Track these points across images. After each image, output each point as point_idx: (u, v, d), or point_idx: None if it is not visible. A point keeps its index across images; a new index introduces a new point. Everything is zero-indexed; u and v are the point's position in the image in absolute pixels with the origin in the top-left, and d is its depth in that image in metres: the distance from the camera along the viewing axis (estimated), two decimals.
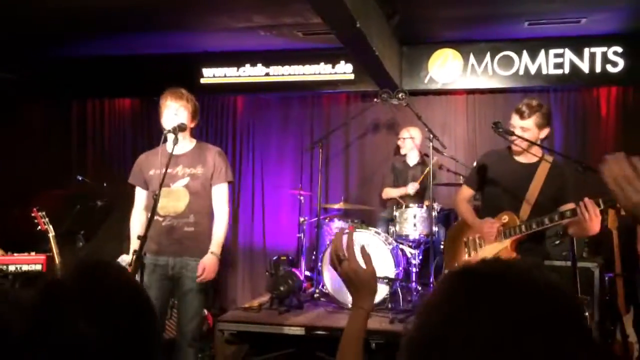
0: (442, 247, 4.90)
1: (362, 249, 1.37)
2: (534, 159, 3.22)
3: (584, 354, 0.70)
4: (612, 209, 2.79)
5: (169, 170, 3.13)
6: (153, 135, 5.99)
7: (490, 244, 3.22)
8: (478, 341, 0.70)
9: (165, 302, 3.44)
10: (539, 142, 3.16)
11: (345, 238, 1.38)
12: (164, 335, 3.72)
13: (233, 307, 5.81)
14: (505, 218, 3.17)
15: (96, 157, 6.86)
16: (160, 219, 3.24)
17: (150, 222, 2.84)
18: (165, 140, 3.20)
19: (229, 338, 4.53)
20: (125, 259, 3.13)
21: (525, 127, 3.11)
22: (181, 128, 3.12)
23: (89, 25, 5.44)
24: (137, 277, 2.86)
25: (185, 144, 3.33)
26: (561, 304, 0.74)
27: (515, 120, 3.15)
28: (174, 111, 3.25)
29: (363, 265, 1.34)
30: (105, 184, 4.30)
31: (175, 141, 3.04)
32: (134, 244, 3.14)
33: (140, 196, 3.42)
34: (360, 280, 1.32)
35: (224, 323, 4.52)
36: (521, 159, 3.24)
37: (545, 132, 3.17)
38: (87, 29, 5.58)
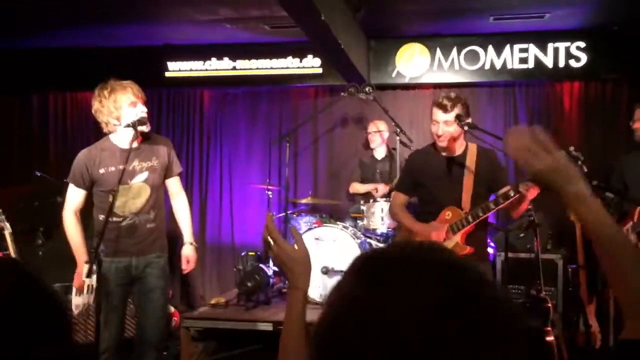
0: None
1: (293, 229, 1.42)
2: (460, 150, 3.18)
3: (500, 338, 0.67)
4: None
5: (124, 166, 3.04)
6: None
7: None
8: (376, 326, 0.67)
9: (125, 307, 3.28)
10: (472, 127, 3.09)
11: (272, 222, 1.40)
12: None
13: (201, 303, 5.74)
14: (449, 214, 3.10)
15: (58, 152, 6.68)
16: (120, 219, 3.09)
17: (106, 221, 2.76)
18: (106, 134, 3.13)
19: (195, 335, 4.47)
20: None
21: (449, 120, 3.04)
22: (141, 122, 3.01)
23: (50, 16, 5.29)
24: (95, 278, 2.78)
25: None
26: (470, 287, 0.70)
27: (438, 115, 3.06)
28: (140, 106, 3.10)
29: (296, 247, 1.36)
30: (65, 180, 4.17)
31: (135, 136, 2.95)
32: (81, 253, 3.04)
33: (77, 196, 3.14)
34: (292, 259, 1.32)
35: (189, 320, 4.45)
36: (448, 152, 3.18)
37: (469, 119, 3.12)
38: (48, 20, 5.43)
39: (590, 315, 3.95)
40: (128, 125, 3.00)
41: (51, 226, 4.07)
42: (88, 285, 2.85)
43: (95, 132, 6.54)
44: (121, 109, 3.05)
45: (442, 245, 0.80)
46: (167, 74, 6.32)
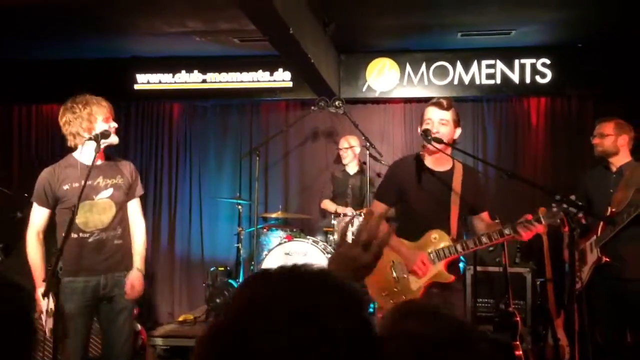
0: None
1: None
2: (448, 166, 2.98)
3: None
4: (554, 225, 2.77)
5: (89, 182, 2.96)
6: None
7: None
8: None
9: (90, 327, 3.17)
10: (453, 142, 2.96)
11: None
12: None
13: (169, 320, 5.62)
14: (435, 237, 2.88)
15: (22, 166, 6.51)
16: (86, 235, 3.02)
17: (67, 237, 2.67)
18: (72, 150, 3.07)
19: (161, 354, 4.37)
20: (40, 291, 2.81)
21: (446, 119, 2.88)
22: (104, 135, 2.96)
23: (15, 27, 5.16)
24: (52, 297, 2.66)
25: (100, 156, 3.11)
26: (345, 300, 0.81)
27: (433, 113, 2.90)
28: (112, 122, 3.10)
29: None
30: (26, 195, 4.06)
31: (97, 149, 2.89)
32: (38, 276, 2.94)
33: (41, 216, 3.07)
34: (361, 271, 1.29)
35: (156, 338, 4.35)
36: (434, 166, 2.97)
37: (458, 131, 2.97)
38: (13, 30, 5.30)
39: (558, 329, 3.98)
40: (90, 139, 2.94)
41: (11, 242, 3.94)
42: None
43: (60, 146, 6.43)
44: (95, 122, 3.02)
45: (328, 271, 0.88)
46: (136, 87, 6.24)
